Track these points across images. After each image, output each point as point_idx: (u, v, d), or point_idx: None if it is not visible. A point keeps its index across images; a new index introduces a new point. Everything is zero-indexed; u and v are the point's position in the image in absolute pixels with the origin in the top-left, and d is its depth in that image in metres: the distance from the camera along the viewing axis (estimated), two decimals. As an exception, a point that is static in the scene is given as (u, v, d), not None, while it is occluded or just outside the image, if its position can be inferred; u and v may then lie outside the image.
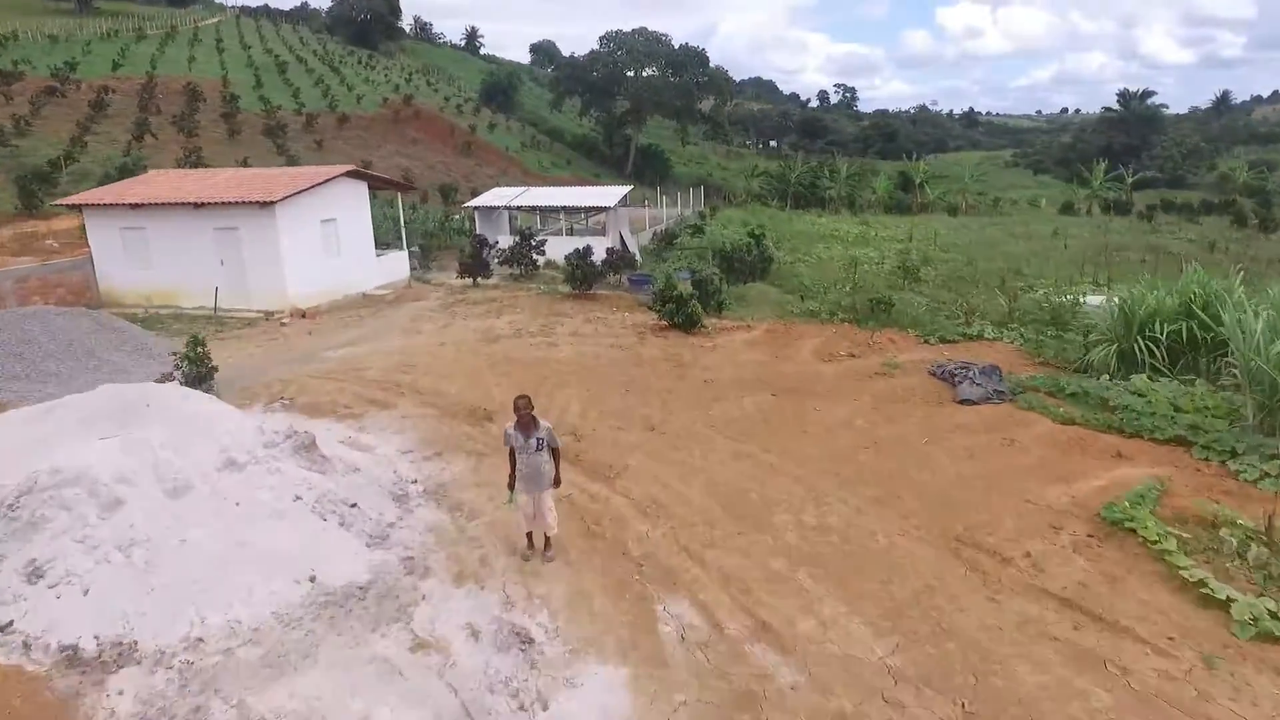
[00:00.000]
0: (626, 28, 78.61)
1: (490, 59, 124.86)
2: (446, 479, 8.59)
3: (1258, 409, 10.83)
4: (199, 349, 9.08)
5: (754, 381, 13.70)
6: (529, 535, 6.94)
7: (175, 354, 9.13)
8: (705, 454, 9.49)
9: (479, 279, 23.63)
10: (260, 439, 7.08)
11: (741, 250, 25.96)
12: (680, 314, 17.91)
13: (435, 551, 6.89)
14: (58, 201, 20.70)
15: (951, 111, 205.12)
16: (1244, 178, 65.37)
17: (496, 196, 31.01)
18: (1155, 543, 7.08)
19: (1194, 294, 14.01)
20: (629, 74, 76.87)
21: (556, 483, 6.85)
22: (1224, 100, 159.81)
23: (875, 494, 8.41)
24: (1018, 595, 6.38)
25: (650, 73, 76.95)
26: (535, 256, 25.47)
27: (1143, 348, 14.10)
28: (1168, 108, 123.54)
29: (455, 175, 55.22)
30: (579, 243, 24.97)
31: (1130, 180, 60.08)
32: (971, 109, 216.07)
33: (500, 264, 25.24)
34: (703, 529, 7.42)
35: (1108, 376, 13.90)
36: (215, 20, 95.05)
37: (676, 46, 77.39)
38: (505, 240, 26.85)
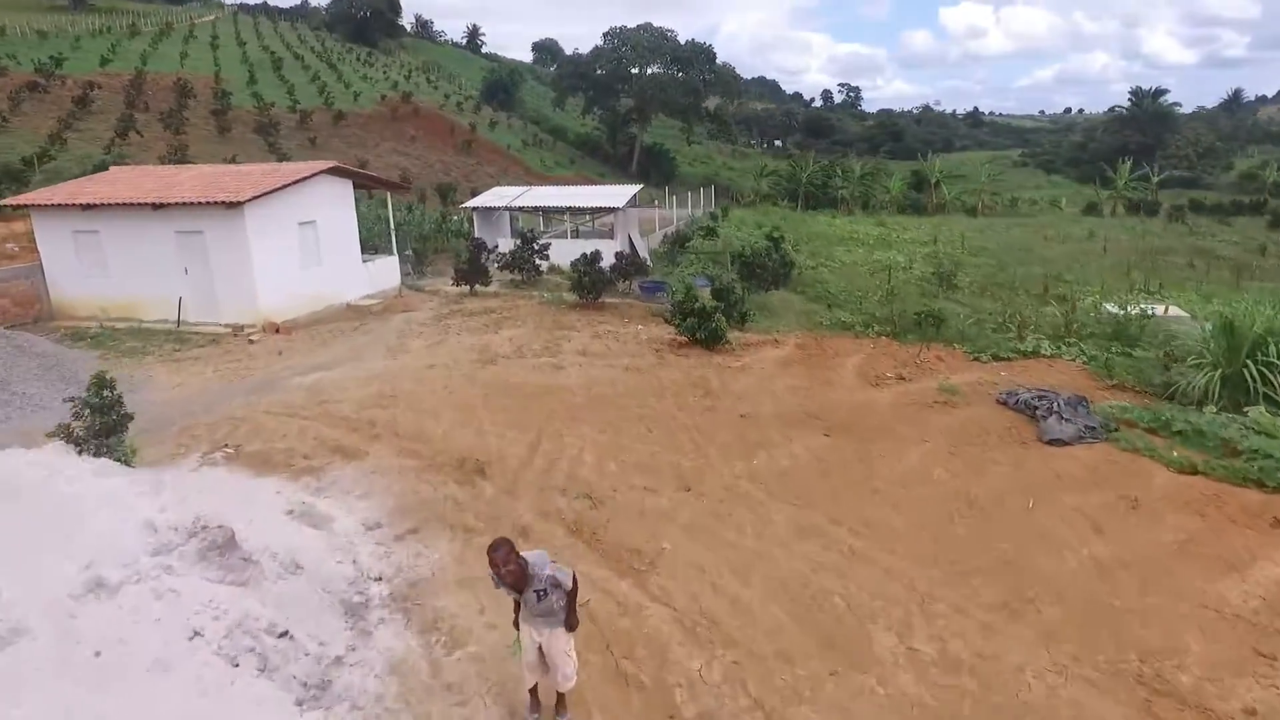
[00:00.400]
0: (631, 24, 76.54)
1: (492, 58, 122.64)
2: (422, 572, 6.42)
3: None
4: (105, 392, 6.96)
5: (798, 414, 11.56)
6: (533, 690, 4.78)
7: (73, 400, 7.03)
8: (760, 529, 7.33)
9: (477, 286, 21.49)
10: (149, 541, 4.94)
11: (761, 254, 23.82)
12: (703, 329, 15.79)
13: (397, 713, 4.73)
14: (3, 201, 18.61)
15: (955, 111, 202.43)
16: (1275, 177, 62.97)
17: (496, 196, 28.86)
18: None
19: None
20: (634, 71, 74.65)
21: (570, 626, 4.69)
22: (1235, 99, 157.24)
23: (998, 595, 6.25)
24: (1271, 796, 4.25)
25: (655, 70, 74.71)
26: (538, 261, 23.34)
27: (1255, 374, 11.98)
28: (1181, 106, 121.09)
29: (455, 174, 53.12)
30: (585, 246, 22.84)
31: (1156, 180, 57.78)
32: (976, 109, 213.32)
33: (500, 269, 23.11)
34: (778, 665, 5.26)
35: (1213, 408, 11.77)
36: (212, 18, 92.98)
37: (683, 42, 75.15)
38: (506, 244, 24.71)
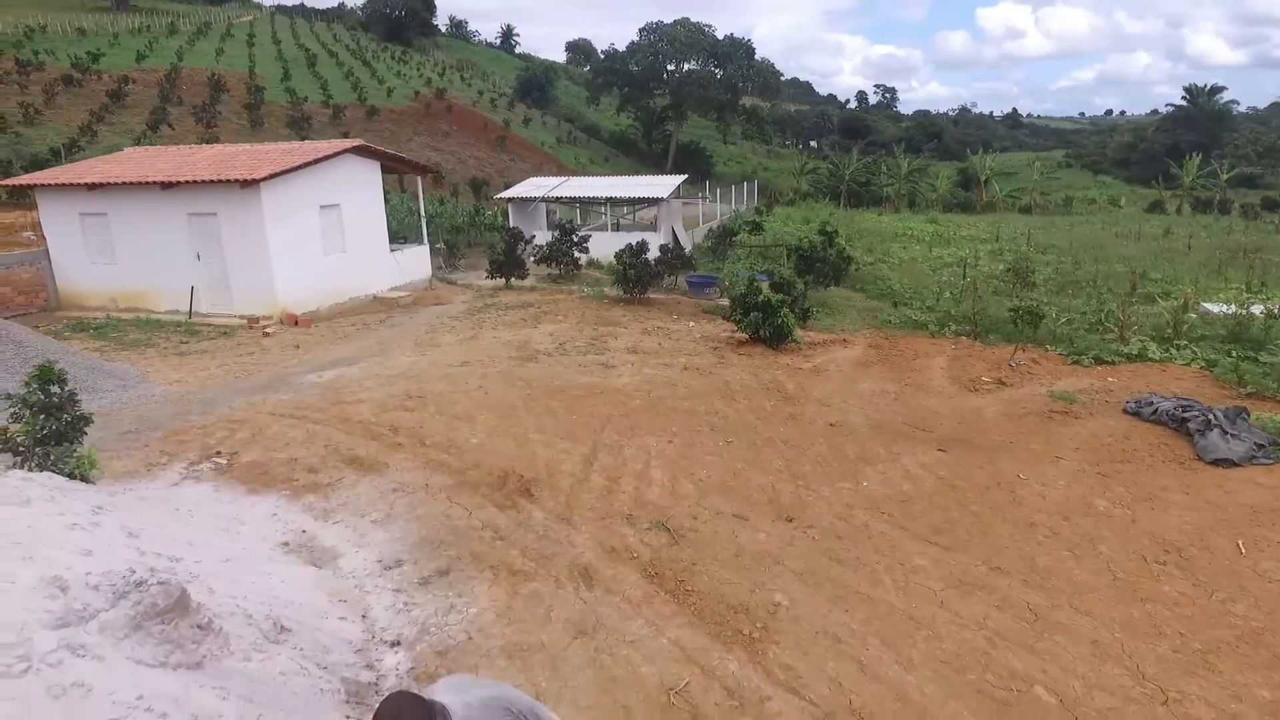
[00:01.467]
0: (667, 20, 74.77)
1: (526, 57, 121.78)
2: (455, 635, 4.73)
3: None
4: (53, 389, 5.42)
5: (897, 424, 9.73)
6: None
7: (9, 398, 5.51)
8: (903, 578, 5.51)
9: (512, 279, 19.94)
10: (50, 608, 3.31)
11: (818, 248, 21.99)
12: (767, 325, 14.05)
13: None
14: (3, 182, 17.43)
15: (993, 113, 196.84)
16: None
17: (533, 187, 27.35)
18: None
19: None
20: (670, 67, 72.88)
21: None
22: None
23: (1275, 690, 4.38)
24: None
25: (692, 66, 72.83)
26: (577, 254, 21.73)
27: None
28: (1239, 104, 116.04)
29: (488, 170, 51.91)
30: (626, 240, 21.20)
31: (1225, 177, 54.47)
32: (1014, 110, 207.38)
33: (537, 262, 21.56)
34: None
35: (1401, 422, 9.69)
36: (249, 18, 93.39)
37: (720, 37, 73.19)
38: (542, 236, 23.18)
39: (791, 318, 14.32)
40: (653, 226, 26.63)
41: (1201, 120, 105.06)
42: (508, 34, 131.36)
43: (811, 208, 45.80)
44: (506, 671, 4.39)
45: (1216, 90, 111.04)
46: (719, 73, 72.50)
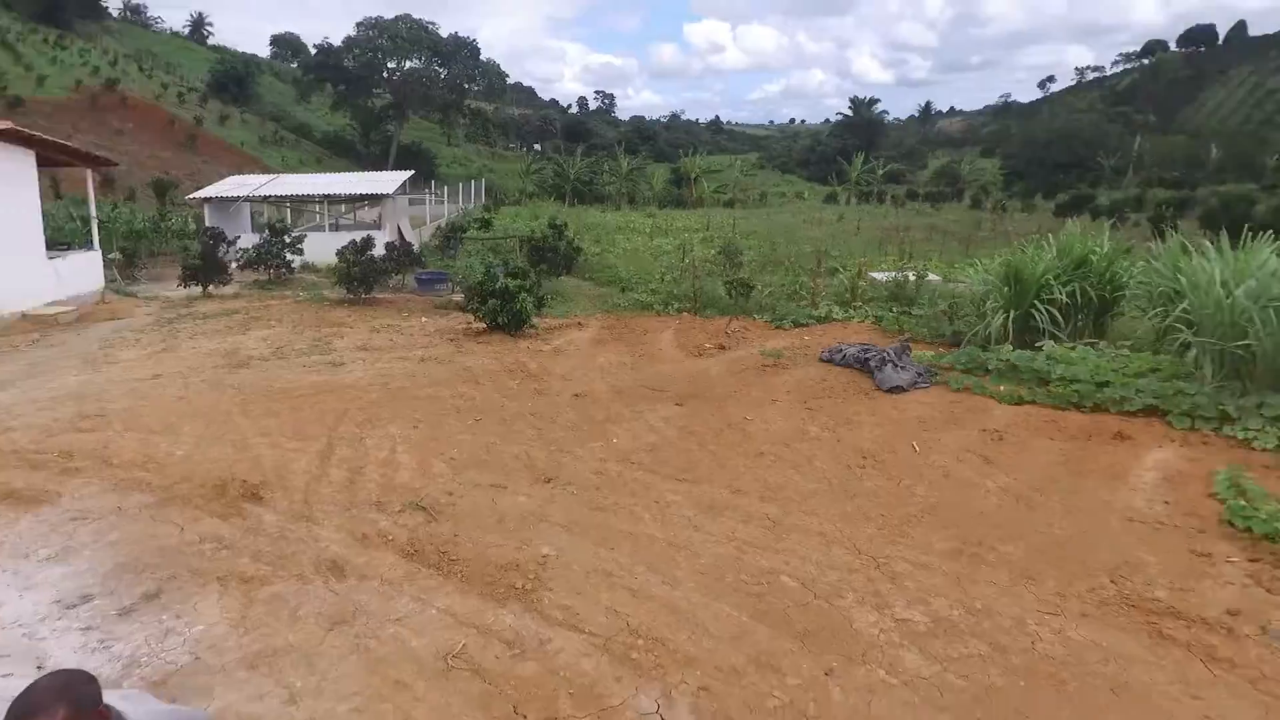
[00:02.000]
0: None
1: (221, 49, 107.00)
2: (177, 658, 3.99)
3: (1216, 367, 9.51)
4: None
5: (638, 389, 10.27)
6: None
7: None
8: (658, 513, 5.79)
9: (211, 286, 17.55)
10: None
11: (549, 238, 22.46)
12: (506, 312, 14.02)
13: None
14: None
15: (698, 119, 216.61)
16: (968, 172, 74.91)
17: (236, 185, 24.37)
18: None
19: (1094, 253, 12.98)
20: (391, 65, 69.23)
21: None
22: (926, 111, 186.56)
23: (948, 542, 5.33)
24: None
25: (414, 64, 69.88)
26: (290, 256, 19.77)
27: (1043, 312, 12.83)
28: (889, 114, 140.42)
29: (175, 173, 45.22)
30: (349, 238, 19.82)
31: (880, 173, 65.79)
32: (717, 117, 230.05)
33: (241, 268, 19.24)
34: (760, 677, 3.77)
35: (1010, 347, 12.42)
36: None
37: (444, 36, 71.08)
38: (248, 239, 20.73)
39: (528, 303, 14.43)
40: (377, 225, 25.15)
41: (863, 127, 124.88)
42: (199, 23, 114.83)
43: (539, 206, 46.65)
44: (250, 681, 3.82)
45: (873, 102, 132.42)
46: (443, 72, 70.45)
